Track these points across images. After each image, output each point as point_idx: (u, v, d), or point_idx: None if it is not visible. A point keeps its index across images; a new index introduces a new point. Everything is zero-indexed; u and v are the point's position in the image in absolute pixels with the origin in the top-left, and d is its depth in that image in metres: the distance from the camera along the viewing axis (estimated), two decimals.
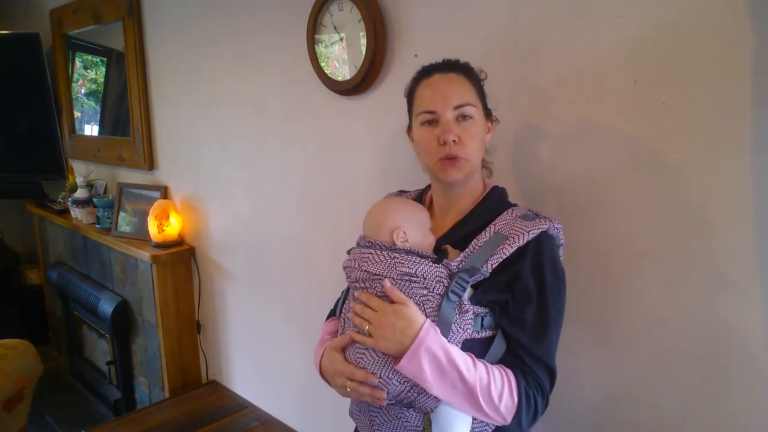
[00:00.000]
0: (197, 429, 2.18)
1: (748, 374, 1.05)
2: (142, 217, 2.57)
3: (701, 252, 1.07)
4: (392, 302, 0.97)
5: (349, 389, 1.00)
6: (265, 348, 2.26)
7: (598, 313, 1.23)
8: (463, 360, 0.94)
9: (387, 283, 0.97)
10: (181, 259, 2.50)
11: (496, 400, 0.94)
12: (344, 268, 1.09)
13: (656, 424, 1.17)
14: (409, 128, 1.15)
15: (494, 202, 1.11)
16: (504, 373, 0.97)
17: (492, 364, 0.99)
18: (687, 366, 1.12)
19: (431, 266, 0.98)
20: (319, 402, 2.03)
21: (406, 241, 1.03)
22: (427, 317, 0.96)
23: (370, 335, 0.97)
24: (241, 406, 2.35)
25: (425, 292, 0.97)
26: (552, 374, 1.01)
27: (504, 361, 1.00)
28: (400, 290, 0.98)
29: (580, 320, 1.22)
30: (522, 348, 0.99)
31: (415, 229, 1.05)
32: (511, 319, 0.99)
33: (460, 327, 0.96)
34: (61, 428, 2.79)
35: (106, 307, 2.69)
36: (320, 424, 2.06)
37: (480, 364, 0.96)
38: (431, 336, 0.93)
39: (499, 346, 1.00)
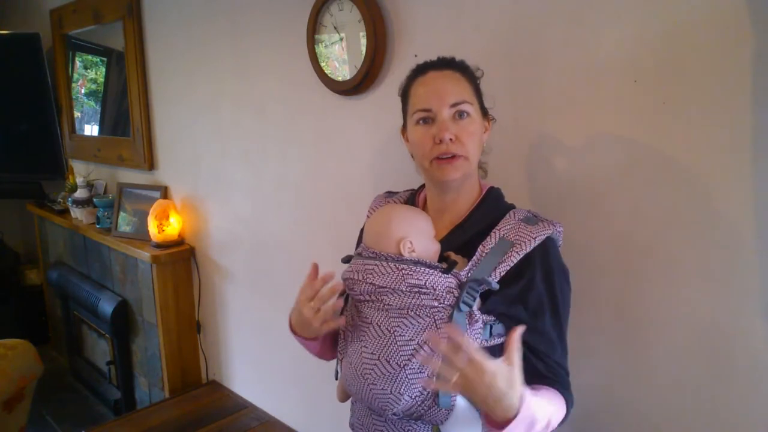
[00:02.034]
0: (197, 429, 2.18)
1: (749, 374, 1.05)
2: (142, 217, 2.57)
3: (701, 252, 1.07)
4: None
5: (312, 305, 1.01)
6: (265, 348, 2.26)
7: (597, 314, 1.22)
8: (546, 404, 0.92)
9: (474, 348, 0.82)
10: (181, 259, 2.49)
11: (554, 422, 0.95)
12: (345, 279, 1.06)
13: (657, 423, 1.17)
14: (404, 128, 1.12)
15: (492, 204, 1.09)
16: (556, 394, 0.98)
17: None
18: (688, 366, 1.12)
19: (441, 277, 0.95)
20: (319, 402, 2.03)
21: (413, 251, 1.00)
22: (438, 330, 0.94)
23: (454, 385, 0.84)
24: (241, 406, 2.35)
25: (435, 303, 0.94)
26: (568, 374, 1.03)
27: (531, 367, 0.98)
28: (410, 302, 0.95)
29: (582, 321, 1.21)
30: (546, 356, 0.99)
31: (421, 238, 1.02)
32: (530, 331, 0.96)
33: (471, 337, 0.94)
34: (61, 428, 2.78)
35: (106, 307, 2.69)
36: (320, 425, 2.06)
37: (544, 398, 0.94)
38: (529, 404, 0.84)
39: None
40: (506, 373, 0.82)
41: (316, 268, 1.05)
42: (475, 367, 0.81)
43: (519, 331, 0.85)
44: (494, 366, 0.81)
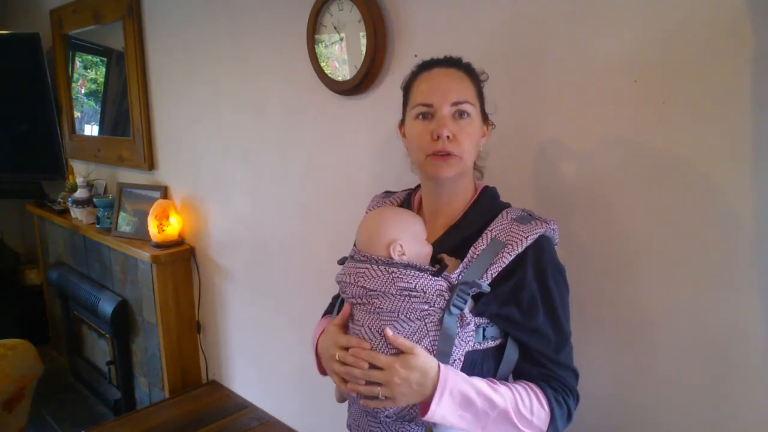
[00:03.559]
0: (197, 429, 2.18)
1: (748, 375, 1.05)
2: (142, 217, 2.57)
3: (701, 251, 1.07)
4: (398, 351, 0.93)
5: (338, 357, 0.98)
6: (265, 348, 2.26)
7: (597, 314, 1.23)
8: (489, 386, 0.93)
9: (389, 332, 0.93)
10: (181, 259, 2.50)
11: (527, 414, 0.94)
12: (338, 282, 1.06)
13: (655, 423, 1.17)
14: (402, 123, 1.12)
15: (486, 204, 1.08)
16: (528, 387, 0.97)
17: (507, 372, 1.00)
18: (686, 366, 1.12)
19: (431, 280, 0.95)
20: (319, 402, 2.03)
21: (404, 254, 1.00)
22: (428, 332, 0.94)
23: (385, 397, 0.92)
24: (241, 406, 2.35)
25: (426, 306, 0.94)
26: (575, 373, 1.02)
27: (526, 370, 1.00)
28: (400, 306, 0.95)
29: (580, 320, 1.22)
30: (543, 356, 0.98)
31: (412, 241, 1.02)
32: (526, 331, 0.97)
33: (462, 340, 0.94)
34: (61, 428, 2.79)
35: (106, 307, 2.69)
36: (320, 424, 2.06)
37: (501, 386, 0.95)
38: (451, 377, 0.91)
39: (511, 355, 1.00)
40: (410, 359, 0.91)
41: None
42: (388, 371, 0.91)
43: (389, 332, 0.93)
44: (399, 360, 0.91)
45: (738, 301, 1.04)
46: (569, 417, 1.00)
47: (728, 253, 1.04)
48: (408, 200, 1.18)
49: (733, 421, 1.08)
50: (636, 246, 1.15)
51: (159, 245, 2.45)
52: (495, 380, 0.97)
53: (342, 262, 1.10)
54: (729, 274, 1.04)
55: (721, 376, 1.08)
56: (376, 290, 0.96)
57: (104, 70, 3.03)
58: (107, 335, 2.85)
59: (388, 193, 1.25)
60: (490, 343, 0.98)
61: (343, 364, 0.97)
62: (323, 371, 1.10)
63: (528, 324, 0.97)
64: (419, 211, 1.15)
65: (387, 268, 0.97)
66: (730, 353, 1.06)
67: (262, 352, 2.28)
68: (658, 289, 1.13)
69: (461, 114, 1.01)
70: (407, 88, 1.10)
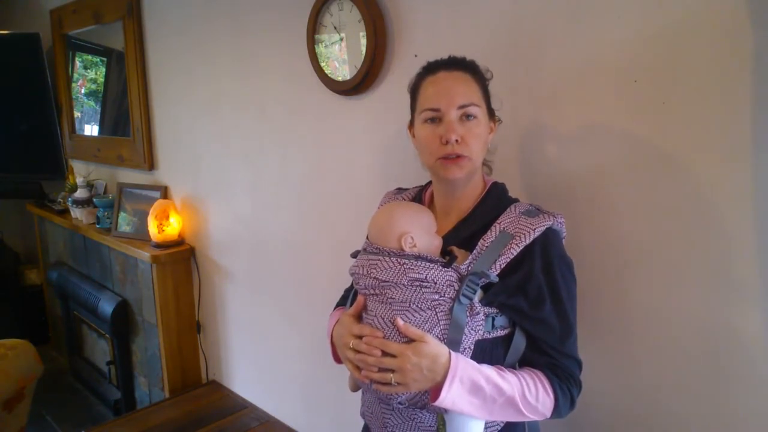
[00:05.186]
0: (197, 429, 2.18)
1: (748, 374, 1.05)
2: (142, 217, 2.58)
3: (701, 251, 1.07)
4: (410, 340, 0.95)
5: (351, 345, 1.00)
6: (265, 348, 2.26)
7: (596, 313, 1.23)
8: (497, 373, 0.96)
9: (399, 321, 0.95)
10: (181, 259, 2.50)
11: (533, 401, 0.97)
12: (351, 274, 1.08)
13: (654, 423, 1.17)
14: (411, 124, 1.14)
15: (495, 199, 1.10)
16: (534, 375, 1.00)
17: (515, 360, 1.02)
18: (686, 365, 1.12)
19: (441, 271, 0.97)
20: (319, 402, 2.03)
21: (414, 246, 1.03)
22: (439, 321, 0.96)
23: (397, 383, 0.94)
24: (241, 406, 2.35)
25: (436, 296, 0.96)
26: (579, 363, 1.04)
27: (532, 358, 1.02)
28: (412, 296, 0.97)
29: (579, 319, 1.21)
30: (549, 346, 1.01)
31: (422, 233, 1.04)
32: (532, 321, 0.99)
33: (472, 329, 0.97)
34: (61, 428, 2.79)
35: (106, 307, 2.69)
36: (321, 425, 2.06)
37: (509, 373, 0.98)
38: (461, 364, 0.93)
39: (519, 343, 1.02)
40: (422, 347, 0.93)
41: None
42: (400, 358, 0.93)
43: (399, 322, 0.96)
44: (410, 347, 0.93)
45: (738, 301, 1.04)
46: (572, 404, 1.02)
47: (728, 252, 1.04)
48: (419, 196, 1.21)
49: (732, 421, 1.08)
50: (635, 245, 1.15)
51: (159, 245, 2.45)
52: (503, 368, 0.99)
53: (355, 255, 1.13)
54: (729, 274, 1.04)
55: (721, 376, 1.08)
56: (388, 281, 0.99)
57: (104, 70, 3.03)
58: (107, 335, 2.85)
59: (400, 190, 1.28)
60: (499, 332, 1.00)
61: (357, 352, 0.99)
62: (338, 360, 1.12)
63: (534, 314, 0.99)
64: (430, 207, 1.17)
65: (398, 260, 1.00)
66: (730, 353, 1.06)
67: (262, 352, 2.28)
68: (657, 289, 1.13)
69: (468, 116, 1.04)
70: (414, 91, 1.12)
